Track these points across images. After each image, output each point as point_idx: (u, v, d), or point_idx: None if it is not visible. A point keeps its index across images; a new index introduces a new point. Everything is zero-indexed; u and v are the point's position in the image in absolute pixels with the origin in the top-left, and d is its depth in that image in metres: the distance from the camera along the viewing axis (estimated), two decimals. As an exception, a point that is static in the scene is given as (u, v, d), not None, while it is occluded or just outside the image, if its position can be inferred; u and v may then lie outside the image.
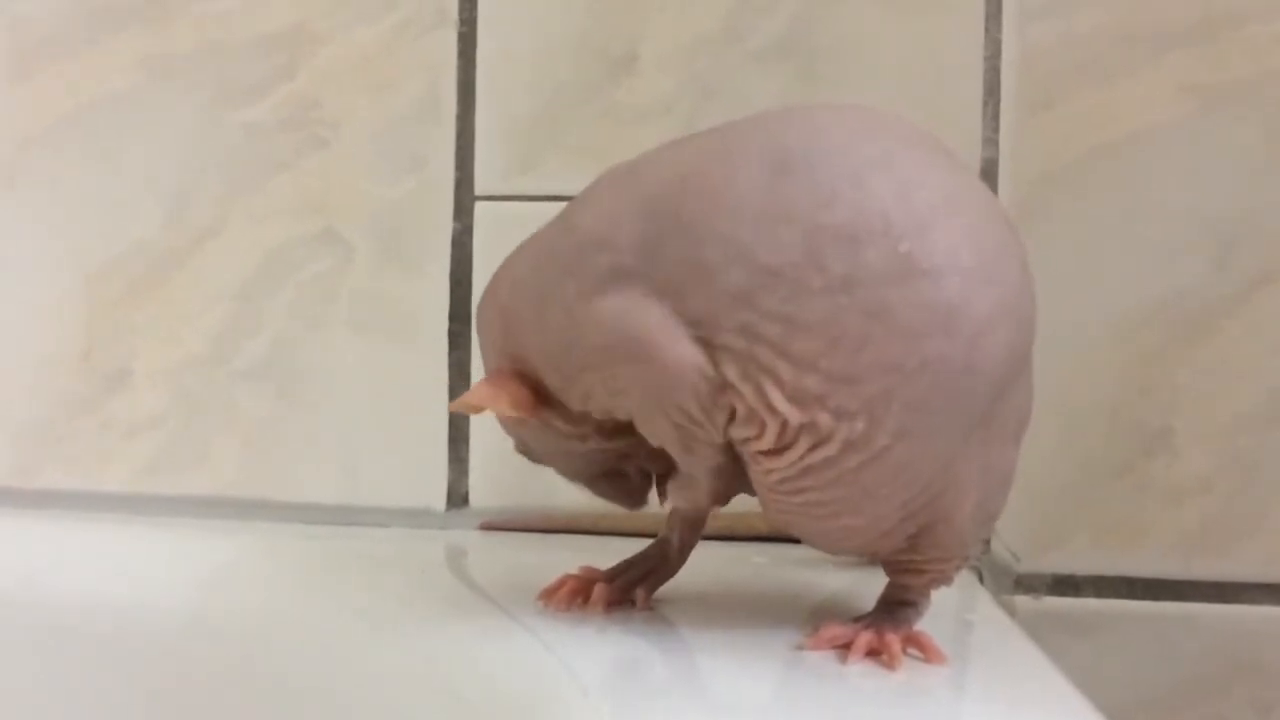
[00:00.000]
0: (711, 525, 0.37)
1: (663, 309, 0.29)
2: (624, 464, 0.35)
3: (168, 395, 0.51)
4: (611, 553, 0.36)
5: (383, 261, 0.50)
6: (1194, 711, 0.46)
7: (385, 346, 0.50)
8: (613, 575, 0.35)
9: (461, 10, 0.50)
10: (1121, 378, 0.47)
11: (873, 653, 0.31)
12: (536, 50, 0.49)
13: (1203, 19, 0.46)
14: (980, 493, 0.31)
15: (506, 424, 0.34)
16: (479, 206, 0.50)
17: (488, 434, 0.48)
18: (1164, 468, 0.47)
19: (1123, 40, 0.47)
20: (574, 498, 0.47)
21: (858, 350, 0.28)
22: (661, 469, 0.34)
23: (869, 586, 0.34)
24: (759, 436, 0.29)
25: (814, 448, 0.29)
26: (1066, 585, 0.47)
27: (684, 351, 0.29)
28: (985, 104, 0.47)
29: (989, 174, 0.47)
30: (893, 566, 0.32)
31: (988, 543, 0.47)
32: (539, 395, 0.32)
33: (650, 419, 0.31)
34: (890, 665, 0.30)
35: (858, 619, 0.32)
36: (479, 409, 0.33)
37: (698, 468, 0.32)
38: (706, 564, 0.36)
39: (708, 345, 0.29)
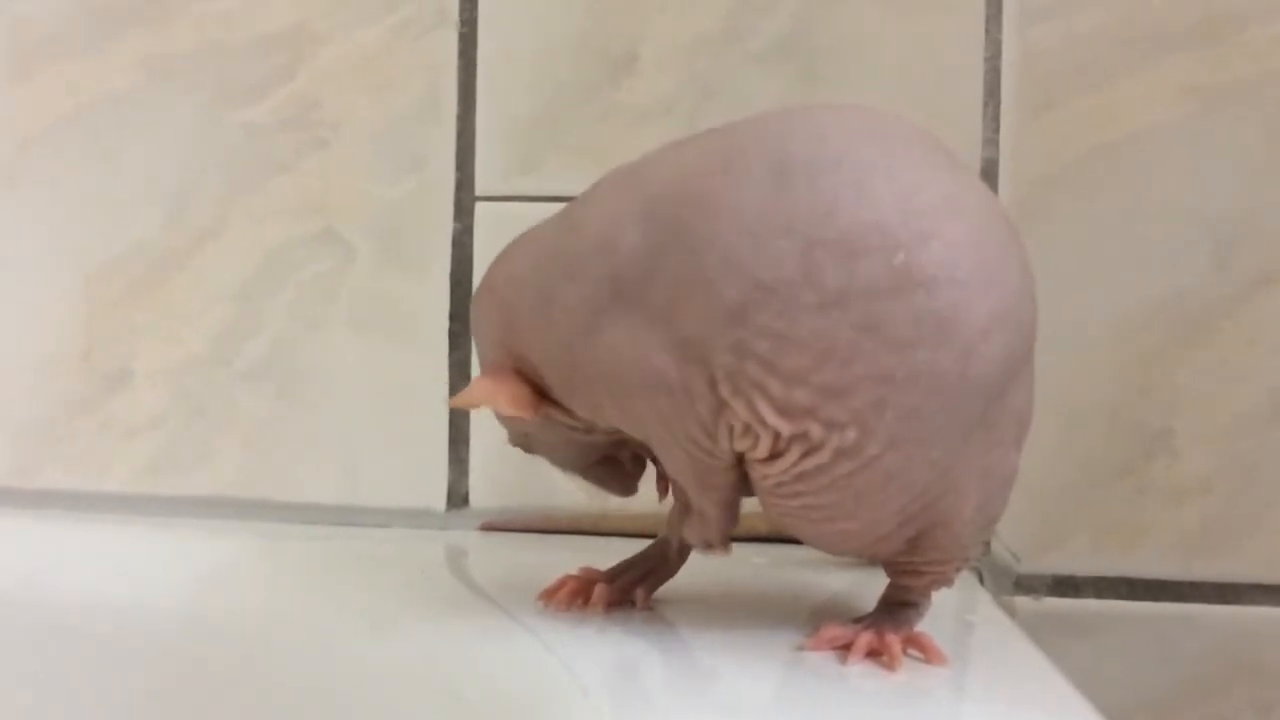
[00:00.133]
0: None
1: (662, 338, 0.29)
2: (618, 450, 0.35)
3: (168, 395, 0.51)
4: (612, 553, 0.36)
5: (383, 262, 0.50)
6: (1194, 712, 0.46)
7: (385, 347, 0.50)
8: (613, 576, 0.35)
9: (462, 11, 0.50)
10: (1121, 378, 0.47)
11: (873, 653, 0.31)
12: (537, 51, 0.49)
13: (1203, 20, 0.46)
14: (980, 497, 0.31)
15: (503, 416, 0.34)
16: (479, 207, 0.50)
17: (488, 434, 0.48)
18: (1164, 468, 0.47)
19: (1123, 41, 0.47)
20: (574, 498, 0.47)
21: (848, 364, 0.28)
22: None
23: (869, 587, 0.34)
24: (754, 447, 0.30)
25: (806, 455, 0.29)
26: (1067, 586, 0.47)
27: (686, 378, 0.29)
28: (986, 104, 0.47)
29: (989, 174, 0.47)
30: (893, 568, 0.32)
31: (988, 544, 0.47)
32: (538, 392, 0.32)
33: (668, 451, 0.31)
34: (890, 666, 0.30)
35: (858, 620, 0.32)
36: (478, 405, 0.33)
37: (710, 504, 0.32)
38: (706, 564, 0.36)
39: (703, 364, 0.29)
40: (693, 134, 0.32)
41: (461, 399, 0.33)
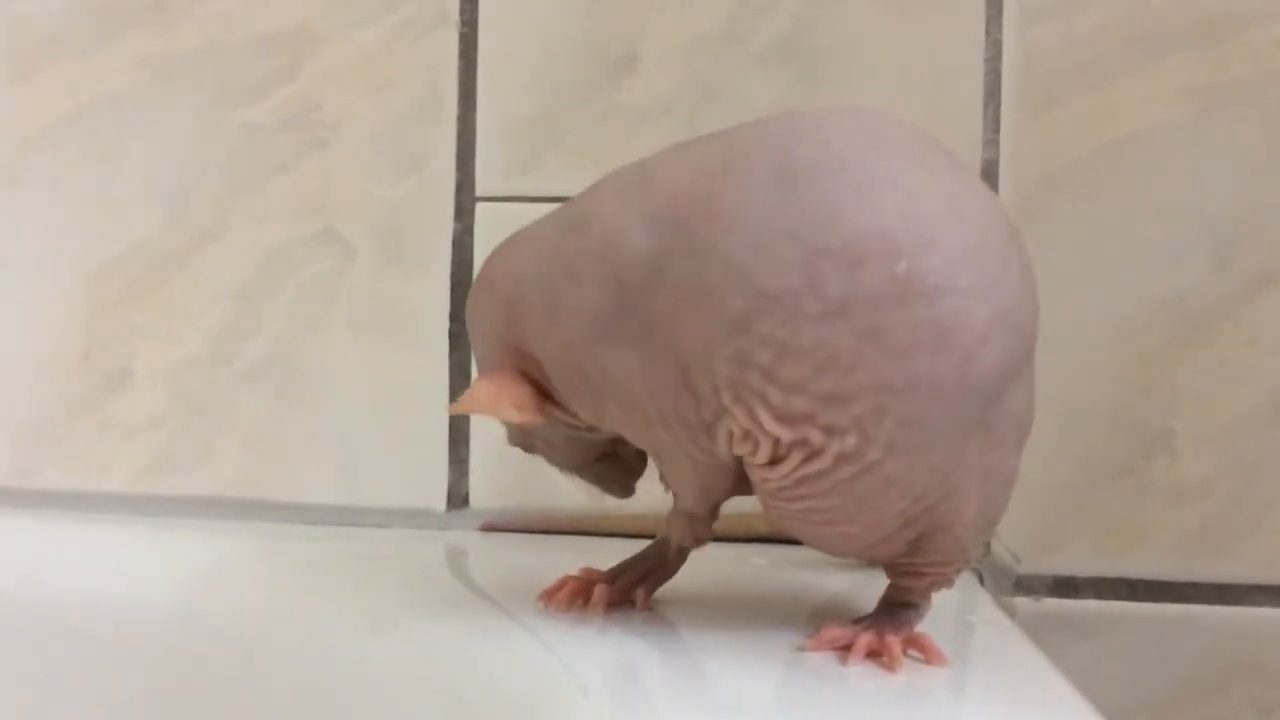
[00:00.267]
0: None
1: (666, 344, 0.29)
2: (620, 447, 0.35)
3: (168, 395, 0.51)
4: (612, 554, 0.36)
5: (383, 262, 0.50)
6: (1194, 713, 0.46)
7: (386, 347, 0.50)
8: (613, 576, 0.35)
9: (462, 11, 0.50)
10: (1122, 379, 0.47)
11: (873, 654, 0.30)
12: (537, 51, 0.49)
13: (1203, 21, 0.46)
14: (981, 501, 0.31)
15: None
16: (480, 207, 0.50)
17: (488, 435, 0.48)
18: (1164, 469, 0.47)
19: (1123, 42, 0.47)
20: (574, 499, 0.47)
21: (849, 372, 0.28)
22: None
23: (869, 588, 0.34)
24: (754, 452, 0.30)
25: (806, 460, 0.29)
26: (1067, 587, 0.47)
27: (688, 385, 0.29)
28: (986, 105, 0.47)
29: (989, 175, 0.47)
30: (893, 569, 0.32)
31: (988, 545, 0.47)
32: (541, 392, 0.32)
33: (670, 454, 0.32)
34: (891, 667, 0.30)
35: (858, 620, 0.32)
36: (481, 411, 0.33)
37: (704, 506, 0.33)
38: (707, 565, 0.36)
39: (705, 371, 0.29)
40: (696, 137, 0.32)
41: (463, 404, 0.32)
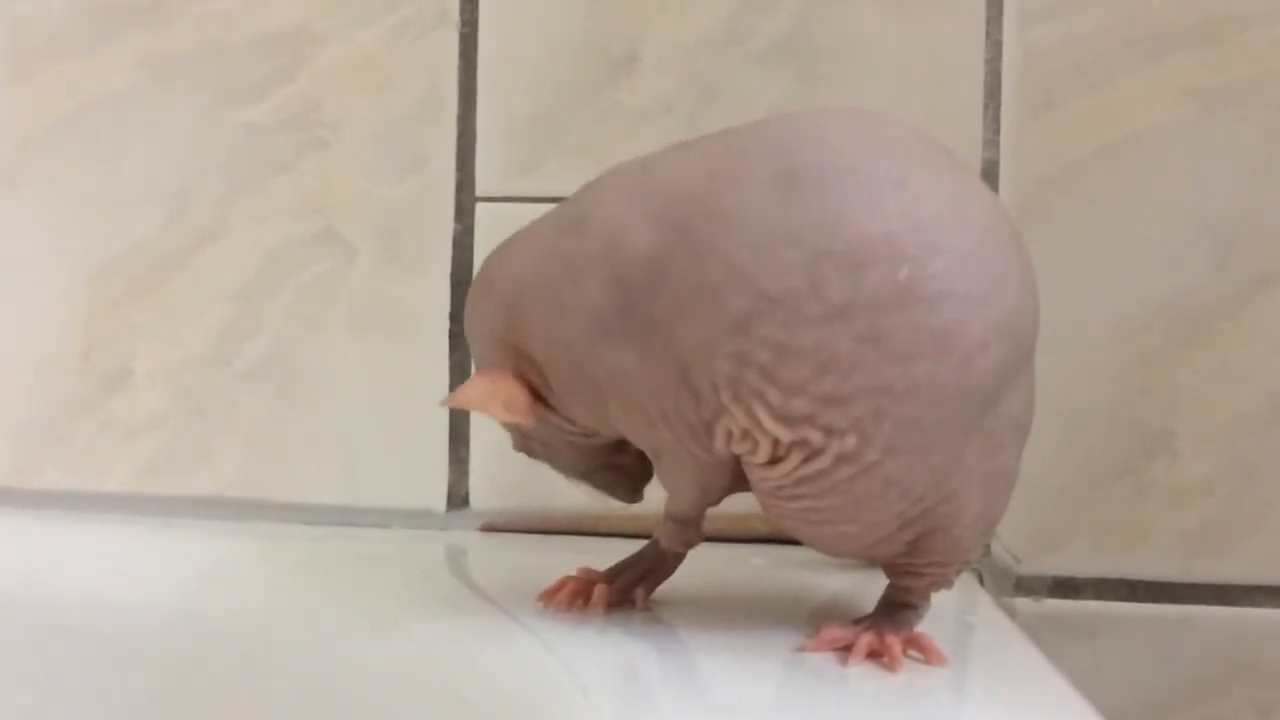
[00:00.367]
0: (711, 526, 0.37)
1: (667, 344, 0.29)
2: (621, 455, 0.35)
3: (168, 395, 0.51)
4: (611, 554, 0.36)
5: (383, 262, 0.50)
6: (1194, 713, 0.46)
7: (386, 347, 0.50)
8: (612, 576, 0.35)
9: (462, 11, 0.50)
10: (1122, 379, 0.47)
11: (874, 655, 0.31)
12: (537, 51, 0.49)
13: (1203, 21, 0.46)
14: (981, 502, 0.31)
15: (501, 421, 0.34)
16: (480, 207, 0.50)
17: (488, 435, 0.48)
18: (1164, 469, 0.47)
19: (1124, 42, 0.47)
20: (574, 499, 0.47)
21: (848, 374, 0.28)
22: None
23: (869, 588, 0.34)
24: (753, 452, 0.30)
25: (806, 460, 0.29)
26: (1067, 587, 0.47)
27: (687, 384, 0.29)
28: (986, 105, 0.47)
29: (990, 175, 0.47)
30: (893, 569, 0.32)
31: (988, 545, 0.47)
32: (536, 395, 0.32)
33: (670, 454, 0.31)
34: (891, 667, 0.30)
35: (858, 621, 0.32)
36: (473, 407, 0.33)
37: (699, 506, 0.34)
38: (706, 565, 0.36)
39: (705, 370, 0.29)
40: (698, 137, 0.31)
41: (456, 399, 0.32)
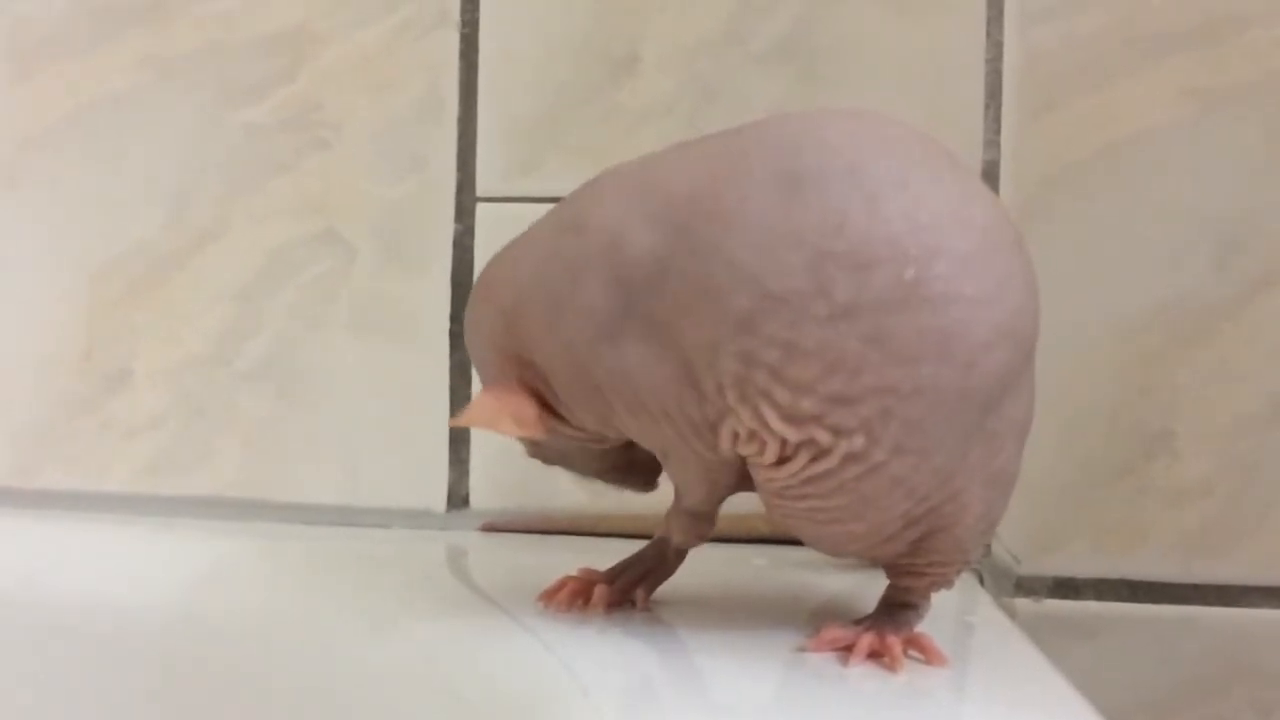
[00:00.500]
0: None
1: (671, 344, 0.29)
2: (633, 451, 0.35)
3: (168, 396, 0.51)
4: (611, 554, 0.36)
5: (384, 262, 0.50)
6: (1194, 713, 0.46)
7: (386, 347, 0.50)
8: (612, 576, 0.35)
9: (463, 11, 0.50)
10: (1122, 379, 0.47)
11: (874, 655, 0.30)
12: (538, 51, 0.49)
13: (1204, 22, 0.46)
14: (983, 504, 0.31)
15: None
16: (480, 208, 0.50)
17: (489, 435, 0.48)
18: (1164, 470, 0.47)
19: (1124, 43, 0.47)
20: (574, 499, 0.47)
21: (855, 375, 0.28)
22: None
23: (869, 589, 0.34)
24: (760, 452, 0.30)
25: (814, 460, 0.29)
26: (1067, 588, 0.47)
27: (694, 384, 0.29)
28: (987, 106, 0.47)
29: (991, 176, 0.47)
30: (894, 569, 0.32)
31: (989, 546, 0.47)
32: (544, 405, 0.32)
33: (676, 454, 0.31)
34: (892, 667, 0.30)
35: (858, 621, 0.32)
36: (481, 426, 0.32)
37: (710, 505, 0.33)
38: (707, 566, 0.36)
39: (710, 370, 0.29)
40: (698, 137, 0.31)
41: (464, 418, 0.32)
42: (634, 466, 0.36)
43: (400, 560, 0.45)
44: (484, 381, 0.34)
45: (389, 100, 0.50)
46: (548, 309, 0.31)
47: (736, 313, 0.28)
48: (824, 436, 0.29)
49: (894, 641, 0.31)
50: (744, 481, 0.32)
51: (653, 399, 0.30)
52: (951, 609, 0.38)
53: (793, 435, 0.29)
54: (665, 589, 0.36)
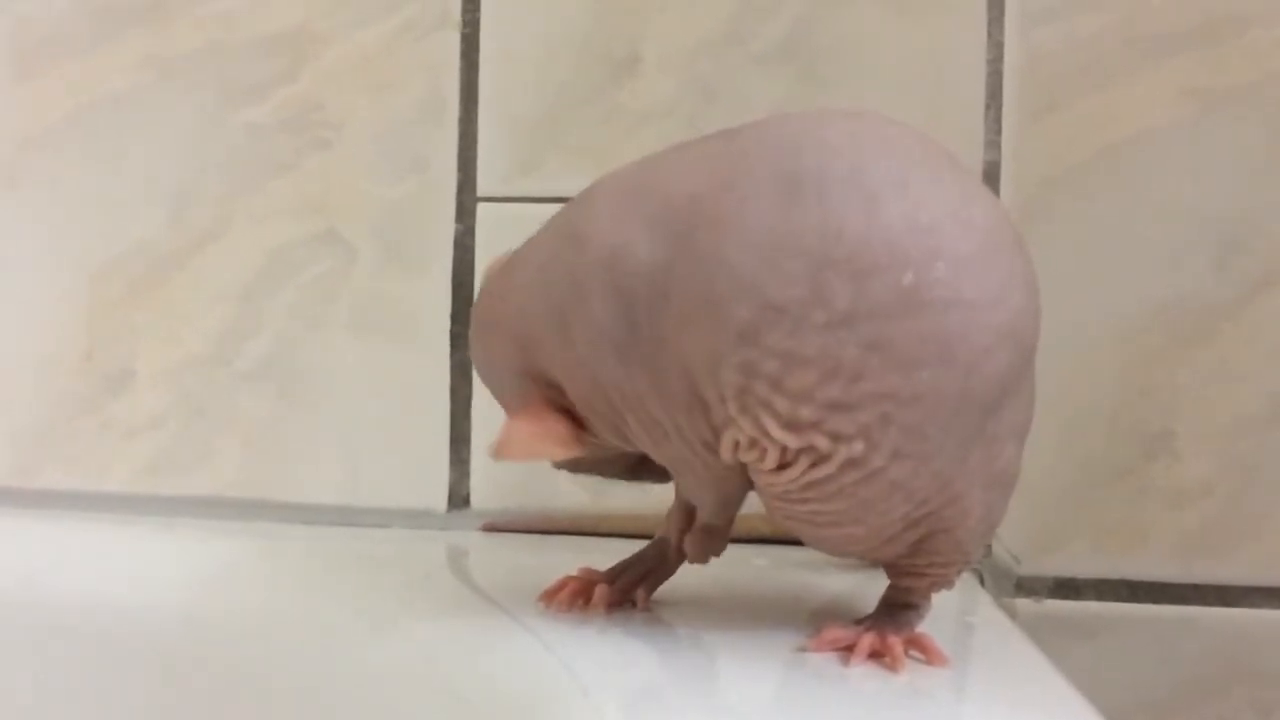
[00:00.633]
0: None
1: (674, 355, 0.29)
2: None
3: (169, 396, 0.51)
4: (612, 554, 0.36)
5: (384, 263, 0.50)
6: (1194, 713, 0.46)
7: (386, 347, 0.50)
8: (613, 576, 0.35)
9: (464, 12, 0.50)
10: (1122, 380, 0.47)
11: (875, 655, 0.30)
12: (539, 52, 0.49)
13: (1204, 22, 0.46)
14: (984, 506, 0.31)
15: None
16: (481, 208, 0.50)
17: (489, 435, 0.48)
18: (1164, 470, 0.47)
19: (1125, 43, 0.47)
20: (575, 499, 0.47)
21: (854, 381, 0.28)
22: None
23: (870, 589, 0.34)
24: (761, 459, 0.30)
25: (813, 466, 0.29)
26: (1067, 588, 0.47)
27: (696, 395, 0.29)
28: (988, 107, 0.47)
29: (991, 177, 0.47)
30: (894, 570, 0.32)
31: (989, 546, 0.47)
32: (575, 420, 0.32)
33: (685, 466, 0.31)
34: (893, 667, 0.30)
35: (859, 621, 0.32)
36: (521, 456, 0.31)
37: (725, 519, 0.33)
38: (708, 566, 0.36)
39: (712, 381, 0.29)
40: (692, 140, 0.31)
41: (503, 451, 0.31)
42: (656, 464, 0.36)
43: (401, 560, 0.45)
44: (507, 409, 0.33)
45: (390, 100, 0.50)
46: (556, 327, 0.31)
47: (737, 323, 0.28)
48: (823, 443, 0.28)
49: (895, 641, 0.31)
50: (751, 485, 0.32)
51: (663, 414, 0.30)
52: (952, 609, 0.38)
53: (792, 442, 0.29)
54: (665, 589, 0.36)
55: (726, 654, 0.32)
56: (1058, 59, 0.47)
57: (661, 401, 0.30)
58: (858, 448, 0.28)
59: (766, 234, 0.28)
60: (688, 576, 0.36)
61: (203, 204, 0.51)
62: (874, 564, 0.34)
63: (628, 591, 0.35)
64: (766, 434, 0.29)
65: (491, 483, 0.50)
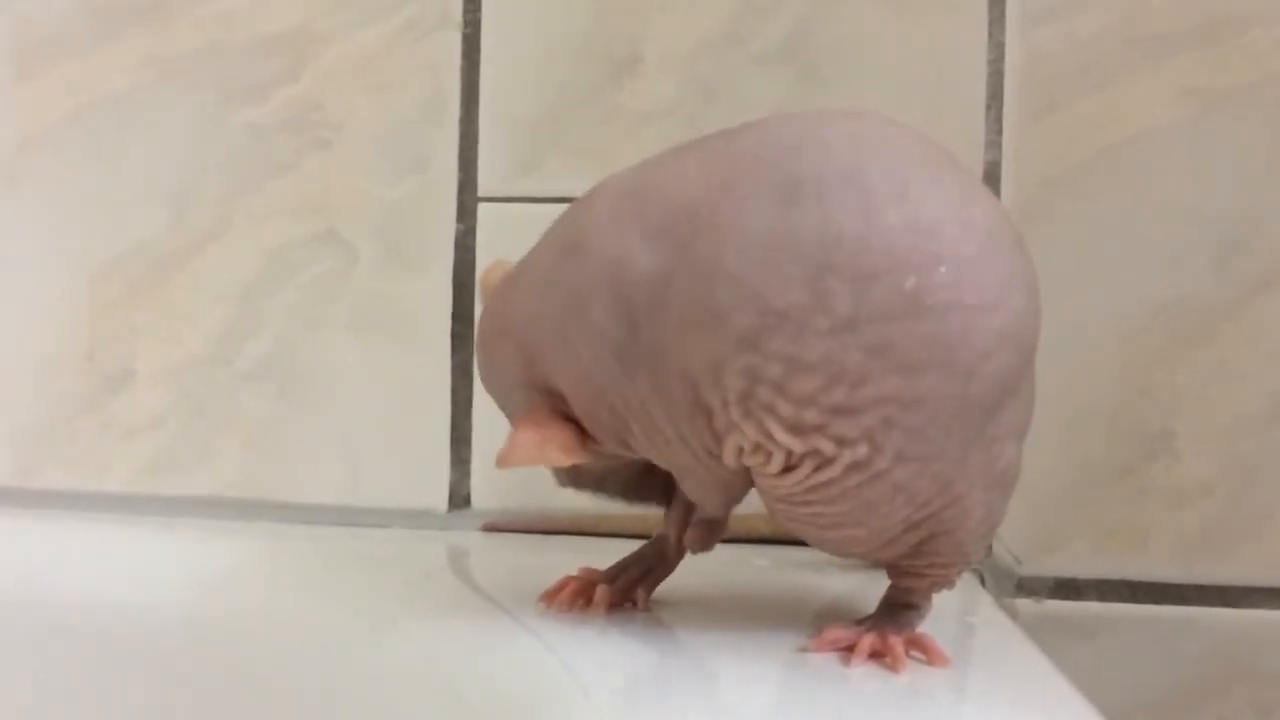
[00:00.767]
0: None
1: (677, 363, 0.29)
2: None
3: (169, 396, 0.51)
4: (612, 554, 0.36)
5: (385, 263, 0.50)
6: (1194, 714, 0.46)
7: (387, 347, 0.50)
8: (613, 576, 0.35)
9: (465, 12, 0.50)
10: (1122, 380, 0.47)
11: (876, 655, 0.30)
12: (540, 52, 0.49)
13: (1205, 22, 0.46)
14: (985, 507, 0.31)
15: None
16: (482, 208, 0.50)
17: (490, 435, 0.48)
18: (1165, 471, 0.47)
19: (1125, 44, 0.47)
20: (576, 500, 0.47)
21: (857, 386, 0.28)
22: None
23: (871, 589, 0.34)
24: (766, 463, 0.30)
25: (818, 469, 0.29)
26: (1068, 588, 0.47)
27: (700, 402, 0.29)
28: (989, 107, 0.47)
29: (992, 177, 0.47)
30: (895, 570, 0.32)
31: (990, 546, 0.47)
32: (581, 429, 0.31)
33: (689, 471, 0.31)
34: (894, 668, 0.30)
35: (860, 621, 0.32)
36: (528, 463, 0.31)
37: (722, 511, 0.34)
38: (708, 566, 0.36)
39: (715, 387, 0.29)
40: (690, 142, 0.31)
41: (509, 458, 0.31)
42: (656, 480, 0.36)
43: (401, 560, 0.45)
44: (512, 419, 0.33)
45: (390, 100, 0.50)
46: (559, 338, 0.31)
47: (739, 330, 0.28)
48: (828, 446, 0.28)
49: (896, 642, 0.31)
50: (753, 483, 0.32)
51: (666, 421, 0.30)
52: (953, 609, 0.38)
53: (797, 446, 0.29)
54: (665, 589, 0.36)
55: (726, 654, 0.32)
56: (1058, 59, 0.47)
57: (664, 408, 0.30)
58: (862, 451, 0.28)
59: (765, 239, 0.28)
60: (688, 576, 0.36)
61: (203, 204, 0.51)
62: (875, 565, 0.34)
63: (628, 591, 0.35)
64: (771, 438, 0.29)
65: (492, 483, 0.50)
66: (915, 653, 0.31)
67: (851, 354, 0.27)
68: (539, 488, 0.48)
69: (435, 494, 0.50)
